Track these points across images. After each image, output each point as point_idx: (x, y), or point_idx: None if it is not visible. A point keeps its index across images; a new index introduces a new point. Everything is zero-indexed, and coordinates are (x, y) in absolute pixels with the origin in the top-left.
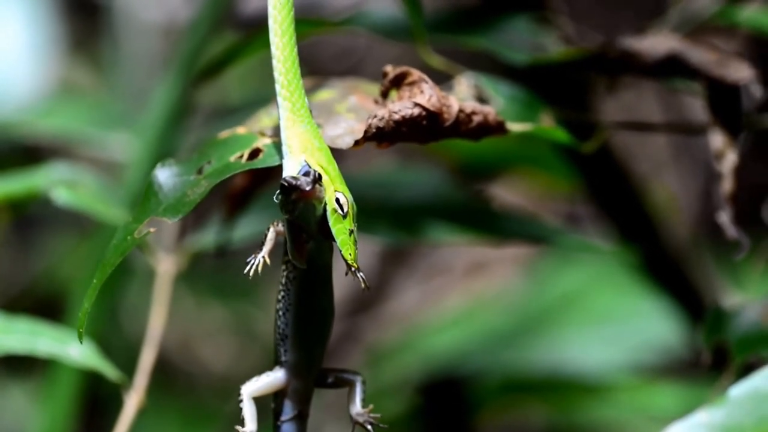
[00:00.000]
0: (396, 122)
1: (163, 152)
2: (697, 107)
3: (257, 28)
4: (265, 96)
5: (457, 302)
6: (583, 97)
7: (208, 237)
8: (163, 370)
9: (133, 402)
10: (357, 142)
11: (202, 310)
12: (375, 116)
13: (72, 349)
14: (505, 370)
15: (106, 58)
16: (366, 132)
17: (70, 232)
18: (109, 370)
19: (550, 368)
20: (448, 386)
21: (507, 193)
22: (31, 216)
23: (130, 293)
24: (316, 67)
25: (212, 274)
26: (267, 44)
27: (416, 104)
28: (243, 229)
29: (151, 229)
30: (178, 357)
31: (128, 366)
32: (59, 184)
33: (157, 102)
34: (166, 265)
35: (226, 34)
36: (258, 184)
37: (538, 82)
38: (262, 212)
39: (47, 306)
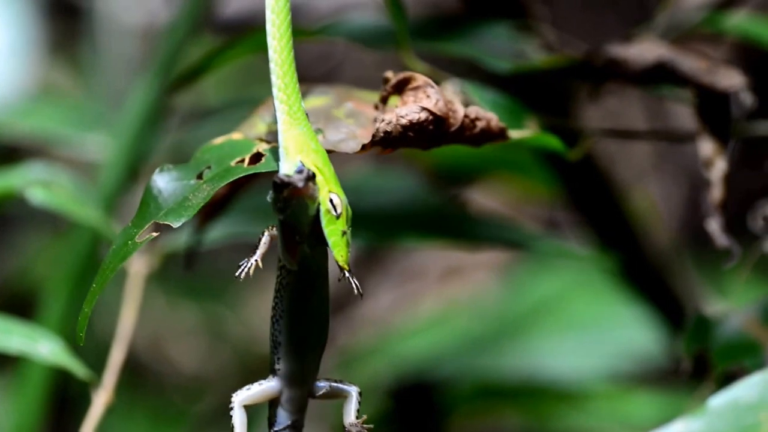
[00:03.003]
0: (403, 126)
1: (138, 154)
2: (680, 114)
3: (235, 32)
4: (243, 98)
5: (431, 307)
6: (564, 104)
7: (180, 238)
8: (132, 369)
9: (101, 400)
10: (364, 147)
11: (172, 310)
12: (383, 120)
13: (42, 346)
14: (478, 375)
15: (85, 60)
16: (374, 136)
17: (43, 231)
18: (78, 368)
19: (525, 374)
20: (420, 390)
21: (485, 198)
22: (6, 215)
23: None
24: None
25: (183, 274)
26: (247, 50)
27: (423, 108)
28: (216, 231)
29: (154, 234)
30: (148, 356)
31: (98, 365)
32: (35, 183)
33: (134, 104)
34: (138, 266)
35: (204, 38)
36: (234, 191)
37: (518, 90)
38: (235, 216)
39: (20, 304)
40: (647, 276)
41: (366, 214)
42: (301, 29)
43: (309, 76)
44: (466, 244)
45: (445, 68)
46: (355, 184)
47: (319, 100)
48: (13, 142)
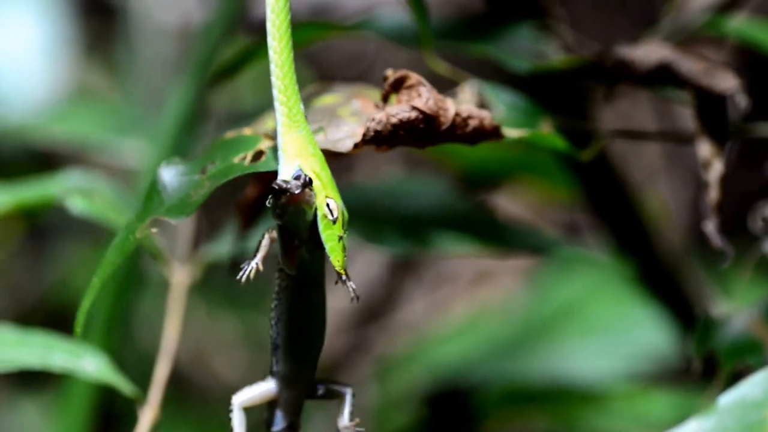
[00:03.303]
0: (393, 125)
1: None
2: (688, 116)
3: None
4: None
5: (462, 312)
6: (582, 105)
7: (221, 247)
8: (176, 382)
9: (147, 417)
10: (356, 146)
11: (214, 321)
12: (373, 120)
13: (86, 363)
14: (507, 380)
15: (120, 61)
16: (364, 135)
17: (84, 242)
18: (123, 385)
19: (550, 377)
20: (453, 397)
21: (508, 202)
22: (45, 225)
23: (143, 305)
24: (326, 72)
25: (224, 284)
26: None
27: (413, 107)
28: (257, 239)
29: (153, 229)
30: (191, 369)
31: (142, 379)
32: (74, 192)
33: (172, 107)
34: (180, 276)
35: (239, 38)
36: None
37: (541, 90)
38: (274, 222)
39: (60, 317)
40: (660, 278)
41: (399, 219)
42: (332, 24)
43: (342, 76)
44: (496, 250)
45: (472, 69)
46: (387, 189)
47: (329, 98)
48: (48, 148)
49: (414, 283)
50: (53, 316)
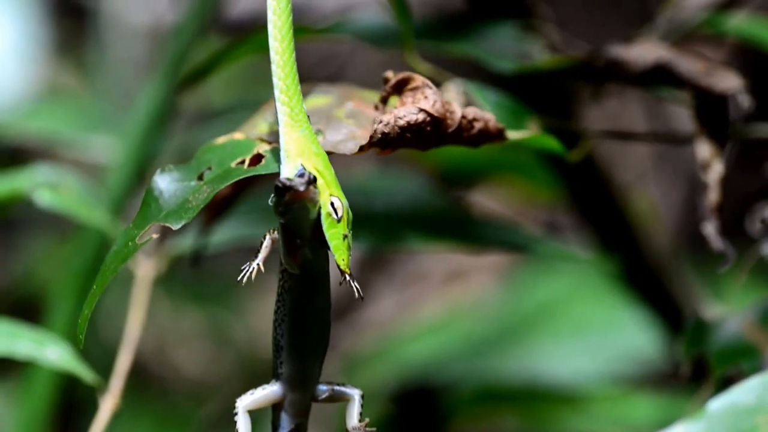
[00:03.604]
0: (401, 128)
1: (146, 155)
2: (680, 116)
3: (242, 33)
4: (249, 100)
5: (434, 310)
6: (568, 105)
7: (186, 241)
8: (138, 373)
9: (108, 405)
10: (362, 148)
11: (178, 315)
12: (380, 122)
13: (50, 351)
14: (480, 379)
15: (91, 61)
16: (371, 138)
17: (50, 234)
18: (85, 373)
19: (526, 378)
20: (422, 394)
21: (487, 201)
22: (12, 218)
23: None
24: (299, 74)
25: (188, 278)
26: (252, 50)
27: (421, 110)
28: (221, 234)
29: (154, 236)
30: (153, 361)
31: (104, 369)
32: (42, 186)
33: (141, 105)
34: (145, 269)
35: (211, 39)
36: (239, 191)
37: (523, 90)
38: (240, 218)
39: (26, 308)
40: (647, 279)
41: (370, 216)
42: (306, 28)
43: (313, 77)
44: (470, 246)
45: (450, 68)
46: (359, 186)
47: (321, 99)
48: (19, 144)
49: (385, 281)
50: (19, 306)
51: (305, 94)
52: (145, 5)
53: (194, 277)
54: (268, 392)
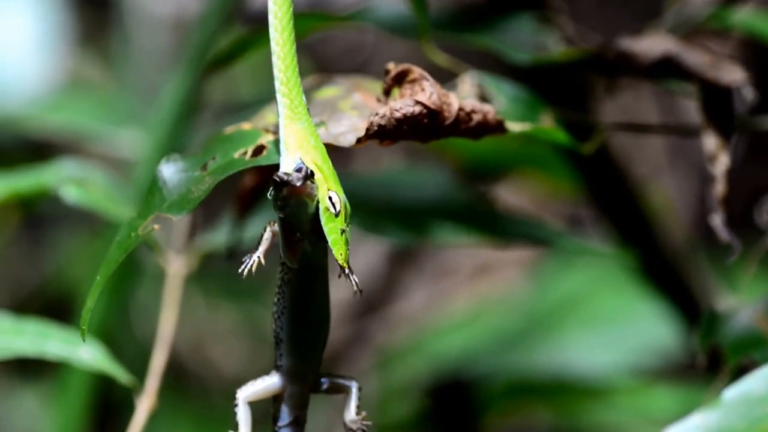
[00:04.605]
0: (397, 120)
1: (172, 149)
2: (692, 110)
3: (266, 22)
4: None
5: (463, 304)
6: (583, 98)
7: (218, 237)
8: (174, 372)
9: (144, 406)
10: (359, 140)
11: (212, 312)
12: (377, 114)
13: (83, 351)
14: (510, 372)
15: (115, 52)
16: (368, 130)
17: (81, 231)
18: (120, 374)
19: (552, 370)
20: (456, 388)
21: (510, 195)
22: (41, 214)
23: (140, 295)
24: (325, 63)
25: (222, 274)
26: None
27: (417, 102)
28: (254, 229)
29: (156, 226)
30: (189, 359)
31: (139, 368)
32: (69, 181)
33: (167, 98)
34: (176, 266)
35: (235, 29)
36: (265, 182)
37: (540, 82)
38: (272, 212)
39: (57, 306)
40: (664, 271)
41: (399, 210)
42: (328, 15)
43: (340, 67)
44: (496, 240)
45: (473, 61)
46: (387, 179)
47: (329, 90)
48: (43, 138)
49: (414, 275)
50: (50, 305)
51: (321, 84)
52: None
53: (228, 273)
54: (267, 384)
